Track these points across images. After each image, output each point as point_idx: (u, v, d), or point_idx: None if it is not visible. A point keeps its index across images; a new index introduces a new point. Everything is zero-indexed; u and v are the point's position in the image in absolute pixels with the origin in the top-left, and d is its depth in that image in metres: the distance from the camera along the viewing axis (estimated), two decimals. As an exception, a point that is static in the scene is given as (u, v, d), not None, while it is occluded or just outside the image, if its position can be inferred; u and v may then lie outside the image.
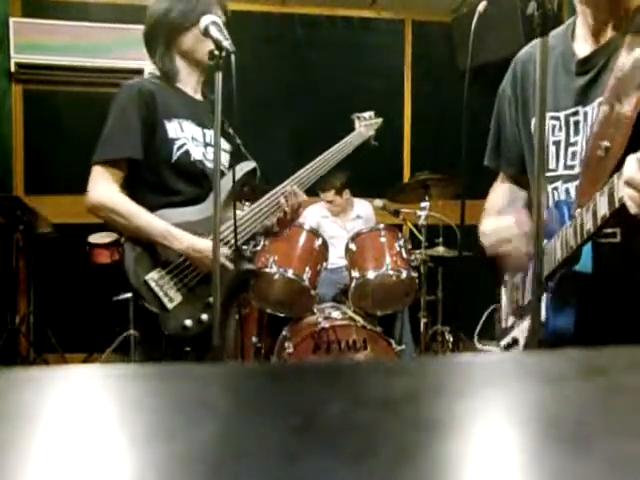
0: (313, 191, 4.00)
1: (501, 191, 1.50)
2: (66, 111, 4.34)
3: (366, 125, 2.29)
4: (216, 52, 1.56)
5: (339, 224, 4.02)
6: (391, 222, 3.91)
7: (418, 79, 4.88)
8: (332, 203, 3.99)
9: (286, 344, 2.93)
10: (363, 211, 4.07)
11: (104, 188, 1.73)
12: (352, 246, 3.25)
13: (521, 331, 1.36)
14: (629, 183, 0.96)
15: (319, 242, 3.18)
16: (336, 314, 3.09)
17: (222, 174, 1.88)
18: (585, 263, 1.15)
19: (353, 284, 3.13)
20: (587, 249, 1.14)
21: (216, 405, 0.31)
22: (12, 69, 4.22)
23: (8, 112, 4.33)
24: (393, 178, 4.36)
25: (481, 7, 1.21)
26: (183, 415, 0.29)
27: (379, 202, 3.91)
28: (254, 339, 3.30)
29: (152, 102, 1.77)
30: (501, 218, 1.39)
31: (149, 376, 0.37)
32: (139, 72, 4.17)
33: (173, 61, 1.86)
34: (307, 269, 3.04)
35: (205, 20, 1.62)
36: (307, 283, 3.01)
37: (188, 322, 1.76)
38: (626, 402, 0.31)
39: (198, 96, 1.93)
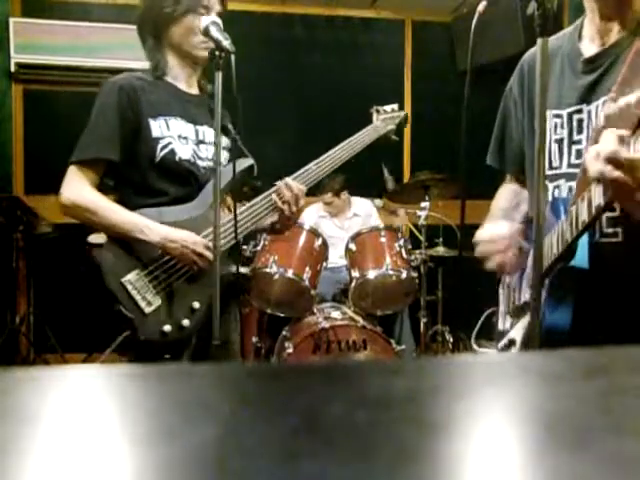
0: (311, 192, 4.01)
1: (505, 194, 1.50)
2: (66, 111, 4.34)
3: (385, 119, 2.11)
4: (216, 52, 1.54)
5: (337, 224, 4.02)
6: (391, 222, 3.91)
7: (418, 79, 4.88)
8: (330, 205, 3.99)
9: (286, 344, 2.93)
10: (361, 209, 4.07)
11: (76, 187, 1.69)
12: (352, 246, 3.25)
13: (518, 331, 1.36)
14: (610, 159, 0.94)
15: (319, 242, 3.18)
16: (336, 314, 3.09)
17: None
18: (582, 258, 1.14)
19: (353, 284, 3.13)
20: (584, 244, 1.14)
21: (216, 405, 0.31)
22: (12, 69, 4.22)
23: (8, 112, 4.33)
24: (393, 178, 4.36)
25: (481, 7, 1.20)
26: (183, 415, 0.29)
27: (379, 202, 3.91)
28: (254, 339, 3.31)
29: (135, 100, 1.68)
30: (495, 226, 1.39)
31: (149, 376, 0.37)
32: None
33: (163, 54, 1.77)
34: (307, 269, 3.04)
35: (205, 20, 1.61)
36: (307, 283, 3.01)
37: (167, 327, 1.64)
38: (626, 402, 0.31)
39: (193, 90, 1.83)
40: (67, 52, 4.23)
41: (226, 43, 1.54)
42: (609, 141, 0.96)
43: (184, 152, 1.72)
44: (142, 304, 1.64)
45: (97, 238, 4.43)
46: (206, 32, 1.60)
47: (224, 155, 1.82)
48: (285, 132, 4.54)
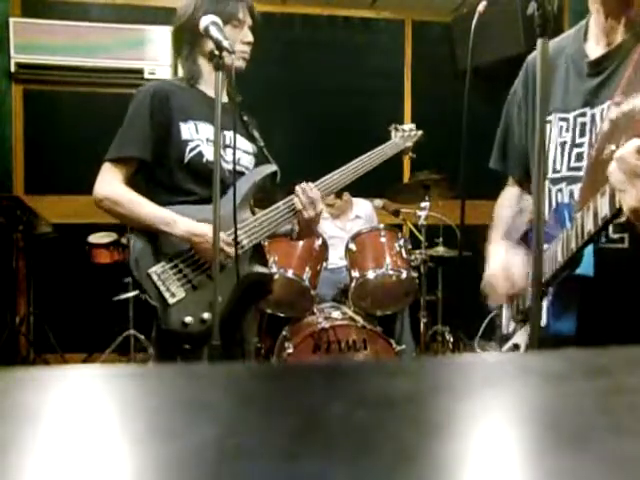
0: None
1: (507, 201, 1.49)
2: (66, 111, 4.34)
3: (403, 136, 2.23)
4: (216, 52, 1.56)
5: (339, 225, 4.02)
6: (391, 222, 3.91)
7: (418, 79, 4.87)
8: (332, 207, 3.98)
9: (286, 344, 2.93)
10: (363, 211, 4.07)
11: (108, 182, 1.77)
12: (352, 246, 3.25)
13: (522, 336, 1.35)
14: (618, 159, 0.93)
15: (319, 242, 3.18)
16: (336, 314, 3.09)
17: (243, 175, 1.90)
18: (587, 266, 1.13)
19: (353, 284, 3.13)
20: (589, 252, 1.13)
21: (216, 405, 0.31)
22: (12, 69, 4.22)
23: (8, 112, 4.33)
24: (393, 178, 4.36)
25: (481, 7, 1.20)
26: (183, 415, 0.29)
27: (379, 202, 3.90)
28: (254, 339, 3.30)
29: (166, 104, 1.78)
30: (505, 260, 1.33)
31: (149, 376, 0.37)
32: (139, 72, 4.17)
33: (196, 62, 1.87)
34: (307, 269, 3.04)
35: (205, 20, 1.61)
36: (307, 283, 3.01)
37: (188, 319, 1.74)
38: (626, 402, 0.31)
39: (222, 98, 1.87)
40: (67, 52, 4.22)
41: (226, 43, 1.56)
42: (629, 145, 0.93)
43: (211, 155, 1.78)
44: (166, 295, 1.73)
45: (97, 238, 4.41)
46: (206, 32, 1.60)
47: (248, 158, 1.92)
48: (284, 132, 4.53)
